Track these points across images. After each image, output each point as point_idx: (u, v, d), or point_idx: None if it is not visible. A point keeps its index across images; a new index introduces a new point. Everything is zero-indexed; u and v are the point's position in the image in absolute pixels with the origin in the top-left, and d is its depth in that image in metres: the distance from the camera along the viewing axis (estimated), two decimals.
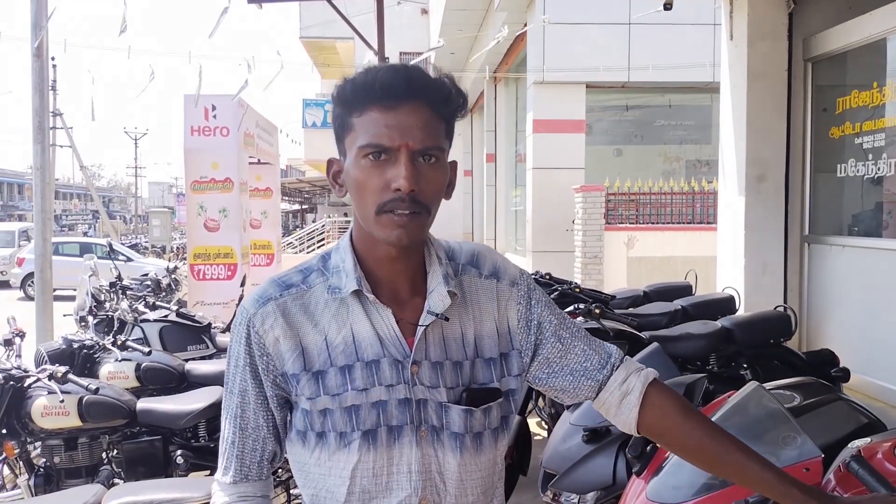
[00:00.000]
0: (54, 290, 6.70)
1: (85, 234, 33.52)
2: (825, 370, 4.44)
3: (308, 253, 27.25)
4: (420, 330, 1.26)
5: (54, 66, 28.79)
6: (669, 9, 6.23)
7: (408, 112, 1.18)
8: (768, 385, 2.85)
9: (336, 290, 1.26)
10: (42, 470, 3.84)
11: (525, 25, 12.68)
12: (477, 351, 1.31)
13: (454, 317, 1.29)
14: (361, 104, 1.20)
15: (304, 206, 49.70)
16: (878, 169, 5.23)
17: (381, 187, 1.18)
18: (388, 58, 8.11)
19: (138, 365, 4.54)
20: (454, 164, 1.30)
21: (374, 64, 1.30)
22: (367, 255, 1.28)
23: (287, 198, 42.23)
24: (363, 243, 1.28)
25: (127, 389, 4.26)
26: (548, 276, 5.97)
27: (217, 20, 7.57)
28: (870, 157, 5.28)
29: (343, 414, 1.23)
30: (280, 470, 3.75)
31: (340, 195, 1.29)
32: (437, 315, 1.26)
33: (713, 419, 2.21)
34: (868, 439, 2.14)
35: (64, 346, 4.57)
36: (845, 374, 4.44)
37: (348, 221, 29.92)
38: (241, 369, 1.28)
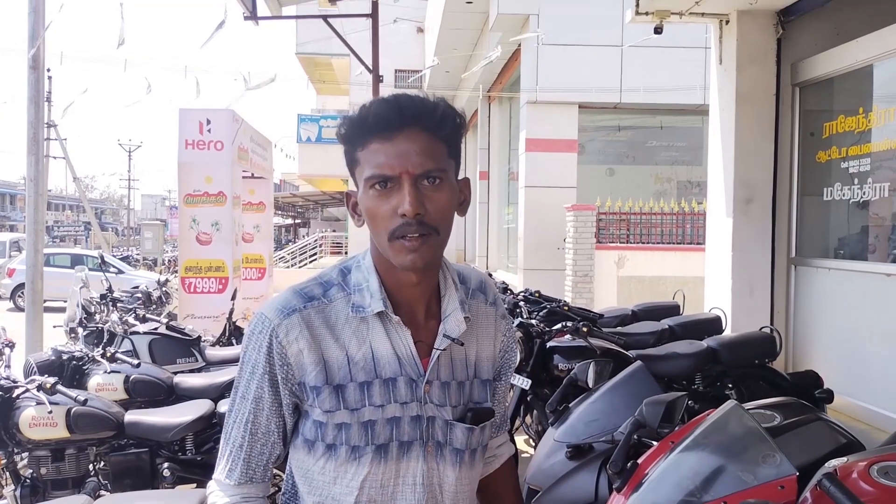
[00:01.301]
0: (44, 301, 6.70)
1: (76, 242, 33.37)
2: (809, 391, 4.47)
3: (300, 268, 27.22)
4: (436, 353, 1.33)
5: (50, 77, 28.86)
6: (660, 32, 6.31)
7: (404, 139, 1.23)
8: (750, 404, 2.90)
9: (360, 309, 1.31)
10: (28, 481, 3.83)
11: (519, 45, 12.81)
12: (476, 371, 1.40)
13: (463, 339, 1.37)
14: (362, 138, 1.26)
15: (297, 221, 49.71)
16: (864, 193, 5.30)
17: (390, 214, 1.24)
18: (382, 76, 8.18)
19: (127, 377, 4.55)
20: (466, 181, 1.36)
21: (372, 97, 1.37)
22: (386, 278, 1.33)
23: (280, 212, 42.24)
24: (382, 266, 1.33)
25: (115, 401, 4.27)
26: (537, 294, 6.00)
27: (211, 33, 7.65)
28: (856, 181, 5.35)
29: (360, 428, 1.28)
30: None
31: (359, 225, 1.33)
32: (452, 339, 1.34)
33: (692, 437, 2.25)
34: (844, 459, 2.18)
35: (53, 358, 4.58)
36: (829, 396, 4.48)
37: (340, 236, 29.96)
38: (258, 377, 1.31)
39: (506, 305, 5.22)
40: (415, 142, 1.23)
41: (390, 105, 1.25)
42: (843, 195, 5.50)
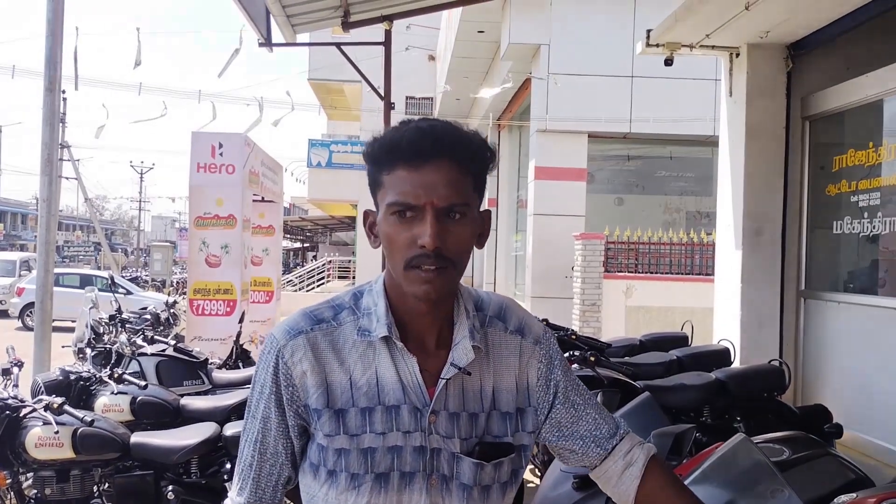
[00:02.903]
0: (53, 320, 6.72)
1: (87, 264, 33.53)
2: (818, 425, 4.44)
3: (307, 291, 27.25)
4: (442, 382, 1.28)
5: (64, 98, 29.19)
6: (670, 64, 6.35)
7: (433, 170, 1.21)
8: (758, 438, 2.88)
9: (366, 333, 1.29)
10: (33, 501, 3.83)
11: (530, 74, 12.91)
12: (494, 403, 1.33)
13: (475, 369, 1.32)
14: (390, 162, 1.24)
15: (305, 245, 49.84)
16: (874, 227, 5.29)
17: (408, 243, 1.22)
18: (394, 103, 8.24)
19: (134, 398, 4.54)
20: (487, 213, 1.33)
21: (404, 118, 1.34)
22: (397, 303, 1.31)
23: (289, 236, 42.39)
24: (394, 290, 1.30)
25: (121, 423, 4.26)
26: (545, 322, 5.99)
27: (228, 61, 7.74)
28: (865, 215, 5.35)
29: (359, 455, 1.25)
30: None
31: (375, 246, 1.32)
32: (459, 368, 1.29)
33: (700, 470, 2.24)
34: (854, 494, 2.16)
35: (61, 378, 4.58)
36: (838, 431, 4.44)
37: (348, 261, 30.00)
38: (265, 397, 1.30)
39: None
40: (442, 173, 1.21)
41: (425, 134, 1.22)
42: (853, 229, 5.50)
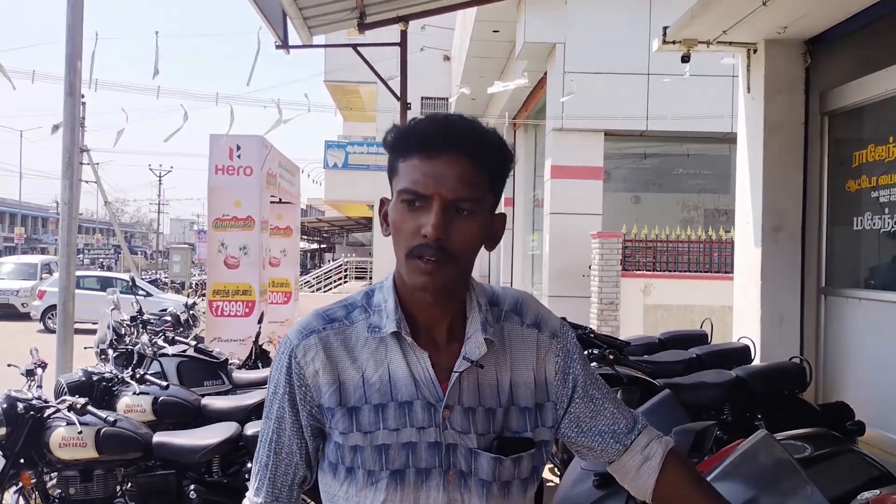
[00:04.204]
0: (74, 322, 6.79)
1: (109, 268, 33.82)
2: (840, 423, 4.41)
3: (325, 292, 27.35)
4: (454, 376, 1.27)
5: (84, 103, 29.43)
6: (687, 61, 6.32)
7: (446, 162, 1.21)
8: (780, 435, 2.86)
9: (376, 329, 1.29)
10: (57, 501, 3.88)
11: (545, 73, 12.88)
12: (512, 398, 1.32)
13: (490, 364, 1.31)
14: (405, 150, 1.25)
15: (322, 246, 50.02)
16: (895, 223, 5.25)
17: (413, 232, 1.22)
18: (410, 103, 8.26)
19: (155, 399, 4.58)
20: (502, 216, 1.32)
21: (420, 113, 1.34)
22: (407, 298, 1.31)
23: (306, 237, 42.54)
24: (404, 285, 1.30)
25: (143, 423, 4.30)
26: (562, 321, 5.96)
27: (252, 66, 7.80)
28: (886, 210, 5.30)
29: (373, 452, 1.25)
30: None
31: (386, 233, 1.31)
32: (472, 362, 1.28)
33: (722, 467, 2.23)
34: (877, 491, 2.15)
35: (84, 378, 4.63)
36: (860, 428, 4.41)
37: (365, 261, 30.08)
38: (279, 397, 1.31)
39: None
40: (455, 166, 1.21)
41: (438, 125, 1.23)
42: (874, 224, 5.45)
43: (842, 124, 5.97)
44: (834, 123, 5.99)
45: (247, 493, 1.37)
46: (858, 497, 2.14)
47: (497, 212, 1.31)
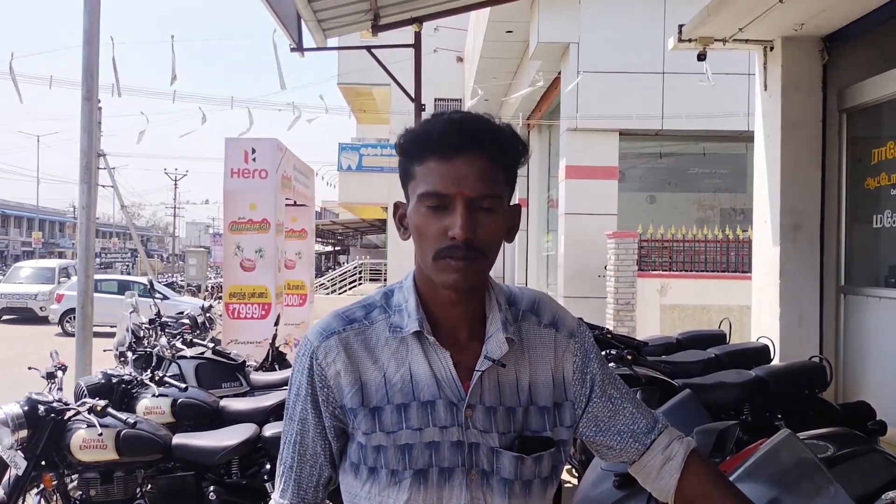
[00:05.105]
0: (93, 325, 6.84)
1: (125, 272, 34.07)
2: (861, 422, 4.37)
3: (340, 294, 27.41)
4: (476, 375, 1.28)
5: (100, 108, 29.67)
6: (703, 59, 6.30)
7: (464, 162, 1.22)
8: (802, 435, 2.84)
9: (397, 329, 1.29)
10: (78, 502, 3.90)
11: (559, 73, 12.85)
12: (531, 398, 1.32)
13: (510, 363, 1.31)
14: (421, 154, 1.25)
15: (336, 248, 50.17)
16: None
17: (439, 234, 1.22)
18: (424, 105, 8.27)
19: (174, 401, 4.60)
20: (517, 207, 1.33)
21: (434, 112, 1.34)
22: (428, 297, 1.31)
23: (321, 239, 42.66)
24: (424, 285, 1.31)
25: (163, 424, 4.33)
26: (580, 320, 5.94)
27: (278, 70, 7.88)
28: None
29: (396, 451, 1.25)
30: None
31: (404, 238, 1.32)
32: (493, 361, 1.28)
33: (744, 466, 2.21)
34: None
35: (103, 381, 4.66)
36: (882, 428, 4.37)
37: (379, 263, 30.14)
38: (302, 399, 1.32)
39: None
40: (474, 165, 1.22)
41: (454, 125, 1.23)
42: (894, 222, 5.40)
43: (860, 121, 5.93)
44: (852, 121, 5.94)
45: (272, 495, 1.38)
46: (883, 497, 2.12)
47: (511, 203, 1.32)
